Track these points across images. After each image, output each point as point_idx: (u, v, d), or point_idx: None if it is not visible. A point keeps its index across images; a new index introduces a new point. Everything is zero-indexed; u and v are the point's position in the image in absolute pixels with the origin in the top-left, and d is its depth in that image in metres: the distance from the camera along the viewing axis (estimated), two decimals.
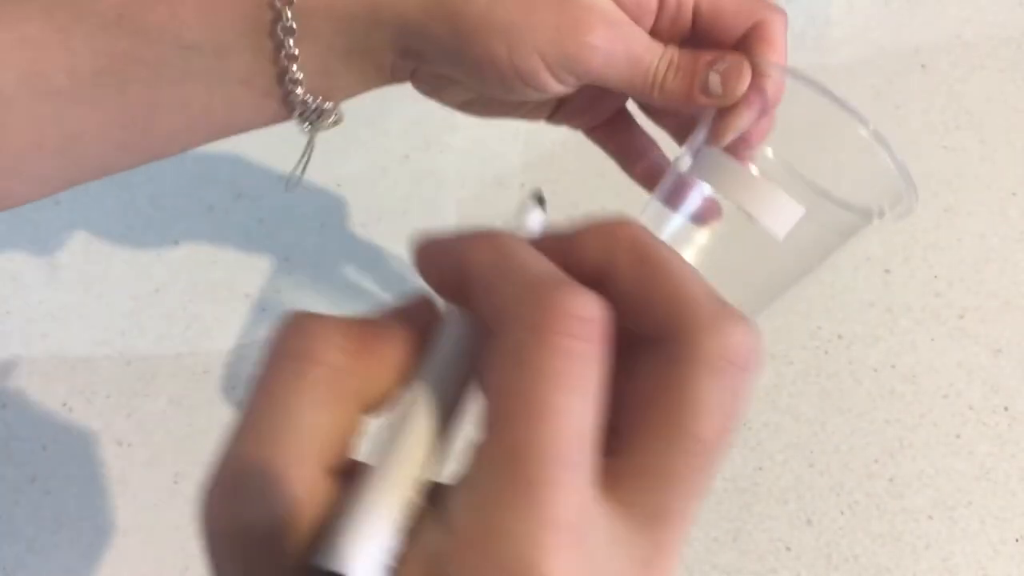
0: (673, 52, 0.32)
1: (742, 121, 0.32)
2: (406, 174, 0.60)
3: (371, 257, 0.57)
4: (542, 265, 0.18)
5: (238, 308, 0.55)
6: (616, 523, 0.18)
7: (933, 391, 0.53)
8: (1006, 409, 0.52)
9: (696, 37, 0.32)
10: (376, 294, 0.55)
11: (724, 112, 0.32)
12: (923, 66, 0.64)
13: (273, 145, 0.61)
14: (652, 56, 0.31)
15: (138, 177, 0.59)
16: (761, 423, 0.51)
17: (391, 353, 0.19)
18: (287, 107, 0.32)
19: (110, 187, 0.59)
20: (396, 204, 0.59)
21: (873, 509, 0.49)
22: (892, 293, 0.55)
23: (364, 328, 0.19)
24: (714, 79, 0.31)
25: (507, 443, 0.16)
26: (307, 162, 0.36)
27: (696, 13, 0.32)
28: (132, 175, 0.60)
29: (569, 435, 0.16)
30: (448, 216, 0.58)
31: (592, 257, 0.19)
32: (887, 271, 0.56)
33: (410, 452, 0.18)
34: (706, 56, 0.32)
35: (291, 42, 0.29)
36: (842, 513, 0.49)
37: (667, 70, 0.32)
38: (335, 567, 0.16)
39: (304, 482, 0.17)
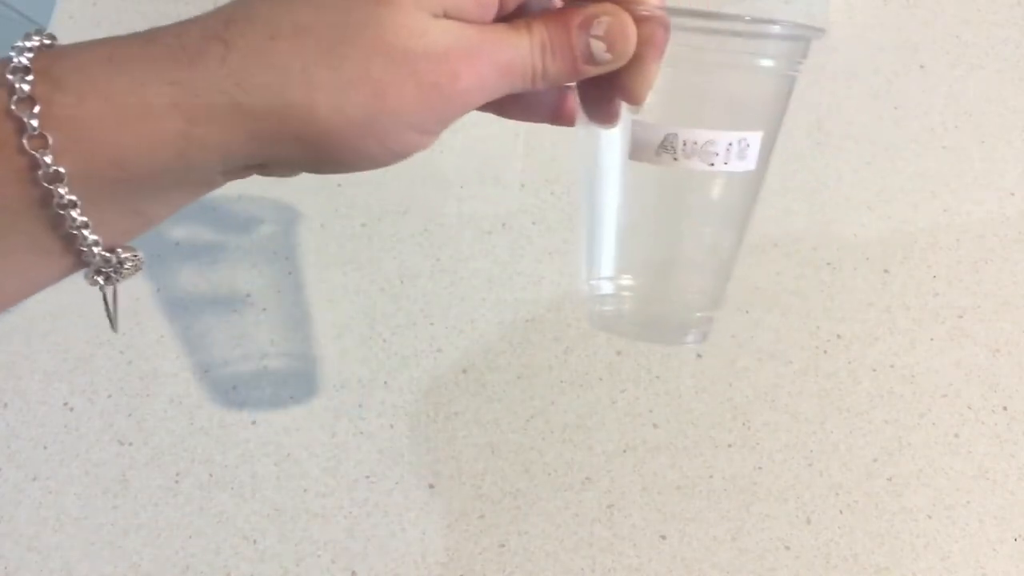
0: (540, 32, 0.29)
1: (651, 74, 0.29)
2: (406, 174, 0.60)
3: (371, 257, 0.57)
4: None
5: (238, 308, 0.55)
6: None
7: (932, 391, 0.53)
8: (1005, 409, 0.52)
9: None
10: (376, 294, 0.56)
11: (628, 73, 0.29)
12: (922, 66, 0.64)
13: None
14: (521, 53, 0.28)
15: None
16: (760, 423, 0.52)
17: None
18: (82, 263, 0.29)
19: None
20: (396, 204, 0.59)
21: (872, 508, 0.49)
22: (891, 293, 0.55)
23: None
24: (598, 46, 0.28)
25: None
26: (115, 311, 0.34)
27: None
28: None
29: None
30: (448, 216, 0.58)
31: None
32: (886, 271, 0.56)
33: None
34: (575, 19, 0.28)
35: (75, 214, 0.26)
36: (841, 512, 0.49)
37: (543, 57, 0.29)
38: None
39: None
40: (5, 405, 0.52)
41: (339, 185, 0.59)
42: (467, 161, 0.61)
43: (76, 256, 0.28)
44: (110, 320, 0.34)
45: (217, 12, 0.27)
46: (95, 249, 0.28)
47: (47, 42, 0.27)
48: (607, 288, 0.36)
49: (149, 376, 0.53)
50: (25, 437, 0.51)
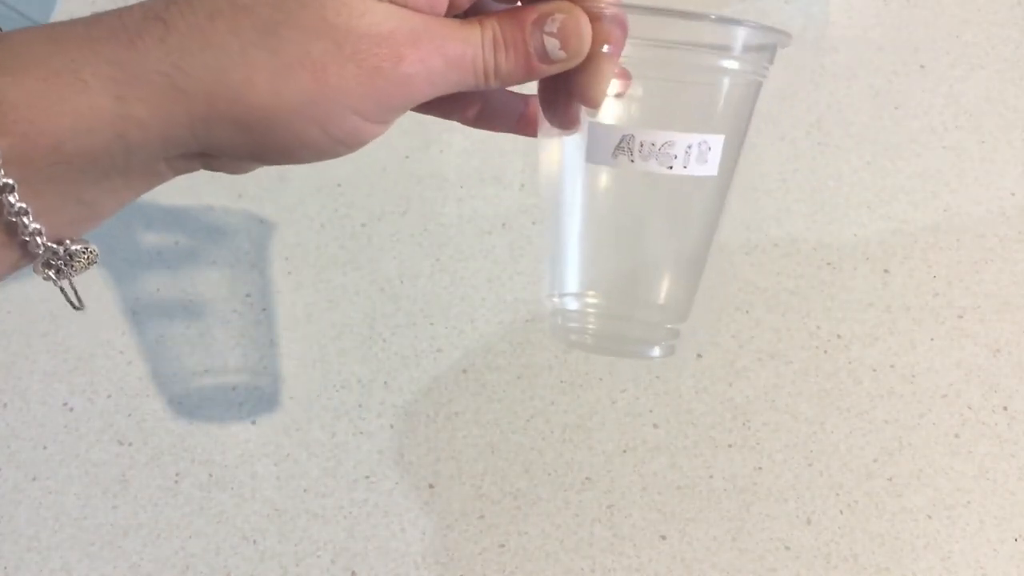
0: (493, 28, 0.28)
1: (607, 75, 0.29)
2: (406, 174, 0.60)
3: (371, 257, 0.57)
4: None
5: (238, 308, 0.55)
6: None
7: (932, 391, 0.53)
8: (1005, 409, 0.52)
9: None
10: (376, 294, 0.56)
11: (583, 73, 0.29)
12: (922, 66, 0.64)
13: None
14: (472, 47, 0.28)
15: None
16: (760, 423, 0.52)
17: None
18: (29, 256, 0.28)
19: None
20: (396, 204, 0.59)
21: (872, 508, 0.49)
22: (891, 293, 0.55)
23: None
24: (552, 44, 0.28)
25: None
26: (76, 296, 0.33)
27: None
28: None
29: None
30: (448, 216, 0.58)
31: None
32: (886, 271, 0.56)
33: None
34: (529, 16, 0.28)
35: (12, 199, 0.25)
36: (841, 512, 0.49)
37: (495, 53, 0.28)
38: None
39: None
40: (5, 405, 0.52)
41: (339, 185, 0.59)
42: (467, 161, 0.61)
43: (22, 249, 0.27)
44: (70, 303, 0.33)
45: None
46: (39, 239, 0.27)
47: None
48: (571, 304, 0.35)
49: (149, 376, 0.53)
50: (25, 437, 0.51)
